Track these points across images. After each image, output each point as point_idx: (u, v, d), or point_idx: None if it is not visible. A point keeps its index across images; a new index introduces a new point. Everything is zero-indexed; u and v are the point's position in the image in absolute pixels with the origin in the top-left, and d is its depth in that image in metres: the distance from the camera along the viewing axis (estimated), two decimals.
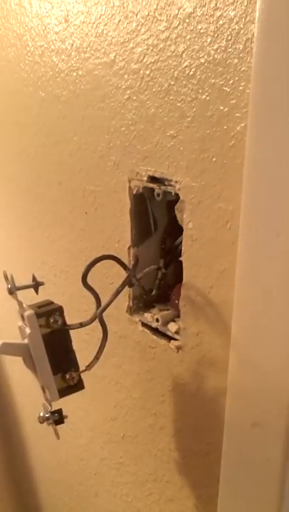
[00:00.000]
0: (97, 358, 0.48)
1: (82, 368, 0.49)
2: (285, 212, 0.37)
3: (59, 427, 0.47)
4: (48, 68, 0.66)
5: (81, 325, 0.47)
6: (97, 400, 0.74)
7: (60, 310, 0.46)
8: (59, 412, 0.46)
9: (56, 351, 0.45)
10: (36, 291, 0.49)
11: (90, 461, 0.81)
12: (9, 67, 0.75)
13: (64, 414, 0.47)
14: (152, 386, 0.60)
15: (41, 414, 0.46)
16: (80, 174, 0.65)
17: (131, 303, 0.60)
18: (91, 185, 0.63)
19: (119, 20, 0.51)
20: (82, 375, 0.49)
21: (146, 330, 0.59)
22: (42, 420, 0.46)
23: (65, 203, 0.70)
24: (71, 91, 0.62)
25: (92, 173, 0.62)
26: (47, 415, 0.46)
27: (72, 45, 0.60)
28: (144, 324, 0.59)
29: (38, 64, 0.68)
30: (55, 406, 0.47)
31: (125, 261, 0.51)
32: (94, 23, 0.55)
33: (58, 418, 0.46)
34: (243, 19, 0.38)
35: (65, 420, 0.47)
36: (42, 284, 0.49)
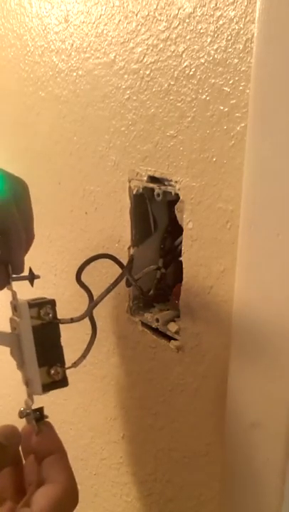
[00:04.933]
0: (84, 356, 0.48)
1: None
2: (285, 212, 0.37)
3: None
4: (48, 68, 0.66)
5: (72, 320, 0.47)
6: (97, 400, 0.74)
7: (51, 303, 0.46)
8: (40, 410, 0.46)
9: (44, 344, 0.45)
10: (31, 283, 0.48)
11: (90, 461, 0.81)
12: (9, 67, 0.75)
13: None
14: (152, 386, 0.60)
15: (22, 409, 0.46)
16: (80, 174, 0.65)
17: (131, 303, 0.60)
18: (91, 185, 0.63)
19: (119, 20, 0.51)
20: (82, 375, 0.49)
21: (146, 330, 0.59)
22: (22, 415, 0.46)
23: (65, 203, 0.70)
24: (71, 91, 0.62)
25: (92, 173, 0.62)
26: (28, 411, 0.45)
27: (72, 45, 0.60)
28: (144, 324, 0.59)
29: (38, 64, 0.68)
30: (38, 403, 0.46)
31: (124, 261, 0.51)
32: (94, 23, 0.55)
33: (39, 416, 0.46)
34: (243, 19, 0.38)
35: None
36: (38, 277, 0.49)
